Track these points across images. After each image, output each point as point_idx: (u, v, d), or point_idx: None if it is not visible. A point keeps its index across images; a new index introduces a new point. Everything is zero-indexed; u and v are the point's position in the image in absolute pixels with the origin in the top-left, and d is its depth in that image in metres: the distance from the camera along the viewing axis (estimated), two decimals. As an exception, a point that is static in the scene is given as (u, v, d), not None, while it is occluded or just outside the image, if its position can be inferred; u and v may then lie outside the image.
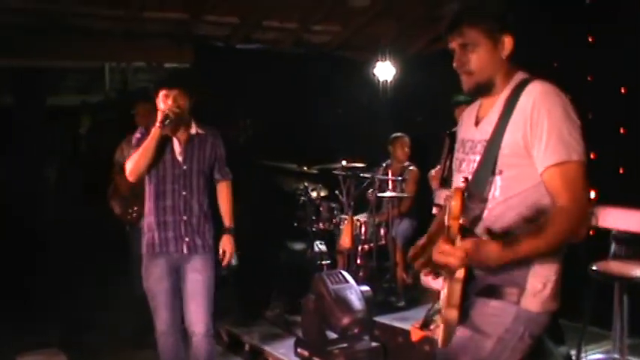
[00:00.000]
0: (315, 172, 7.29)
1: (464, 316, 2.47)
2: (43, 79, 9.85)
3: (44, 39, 7.51)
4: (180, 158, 4.45)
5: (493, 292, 2.49)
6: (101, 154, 10.87)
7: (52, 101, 11.06)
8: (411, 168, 7.29)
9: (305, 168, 7.26)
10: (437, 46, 8.26)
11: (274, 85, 8.16)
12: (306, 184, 7.30)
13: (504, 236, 2.35)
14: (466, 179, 2.51)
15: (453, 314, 2.35)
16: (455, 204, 2.23)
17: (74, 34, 7.51)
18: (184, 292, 4.48)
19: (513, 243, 2.27)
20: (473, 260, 2.25)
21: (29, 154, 7.80)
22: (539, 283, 2.46)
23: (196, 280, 4.47)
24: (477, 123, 2.63)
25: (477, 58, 2.52)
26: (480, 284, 2.49)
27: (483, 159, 2.50)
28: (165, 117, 4.24)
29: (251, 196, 7.70)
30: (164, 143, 4.40)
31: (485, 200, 2.48)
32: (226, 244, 4.69)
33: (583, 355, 4.70)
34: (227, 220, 4.75)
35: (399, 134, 7.45)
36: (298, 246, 7.17)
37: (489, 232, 2.36)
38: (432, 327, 2.60)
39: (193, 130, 4.52)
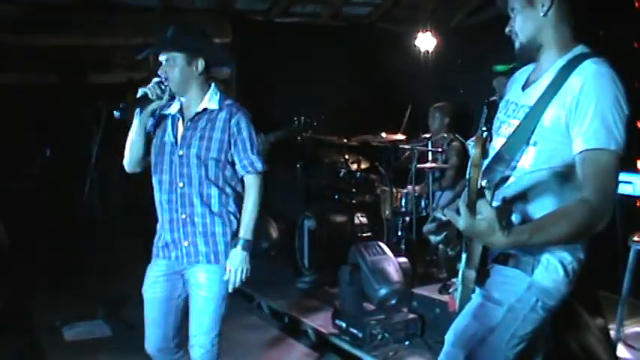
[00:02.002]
0: (355, 144, 7.27)
1: (480, 281, 2.46)
2: (87, 57, 9.96)
3: (87, 16, 7.59)
4: (179, 141, 3.57)
5: (508, 259, 2.47)
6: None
7: (100, 79, 11.21)
8: (454, 143, 7.15)
9: (345, 140, 7.24)
10: (478, 17, 8.15)
11: (314, 58, 8.14)
12: (346, 156, 7.29)
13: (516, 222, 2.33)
14: (488, 129, 2.51)
15: (471, 275, 2.35)
16: (477, 151, 2.17)
17: (116, 11, 7.58)
18: (189, 308, 3.65)
19: (524, 232, 2.16)
20: (482, 239, 2.20)
21: (74, 132, 7.91)
22: (554, 261, 2.42)
23: (199, 298, 3.57)
24: (525, 86, 2.57)
25: (518, 20, 2.50)
26: (497, 250, 2.46)
27: (521, 126, 2.44)
28: (140, 98, 3.46)
29: (292, 168, 7.75)
30: (168, 122, 3.63)
31: (513, 168, 2.44)
32: (231, 260, 3.54)
33: (622, 327, 4.62)
34: (240, 229, 3.57)
35: (439, 104, 7.36)
36: (339, 218, 7.16)
37: (505, 202, 2.31)
38: (451, 290, 2.61)
39: (202, 105, 3.55)
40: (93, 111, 5.85)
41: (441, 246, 2.65)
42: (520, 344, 2.45)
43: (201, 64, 3.51)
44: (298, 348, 5.55)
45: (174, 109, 3.63)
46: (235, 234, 3.58)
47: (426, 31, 8.23)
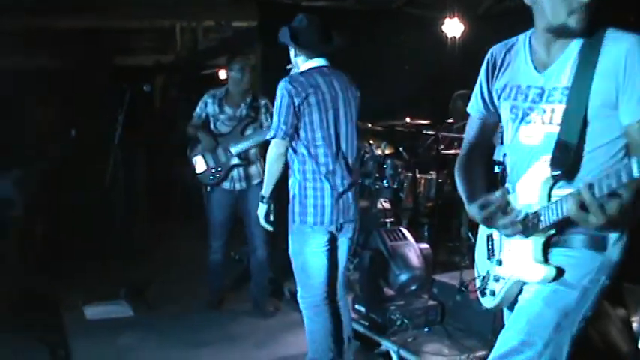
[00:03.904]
0: (379, 129, 7.24)
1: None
2: (114, 40, 10.03)
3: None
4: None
5: (579, 241, 2.42)
6: (168, 113, 11.10)
7: (127, 61, 11.28)
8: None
9: (370, 125, 7.21)
10: (506, 2, 8.06)
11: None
12: (371, 141, 7.26)
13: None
14: None
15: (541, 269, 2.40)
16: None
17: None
18: None
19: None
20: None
21: (99, 114, 7.98)
22: (618, 231, 2.38)
23: None
24: (541, 68, 2.50)
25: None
26: (563, 234, 2.43)
27: (571, 108, 2.38)
28: None
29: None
30: None
31: (577, 151, 2.38)
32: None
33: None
34: None
35: (462, 91, 7.31)
36: (362, 203, 7.13)
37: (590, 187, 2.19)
38: (488, 289, 2.60)
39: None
40: (117, 92, 5.87)
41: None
42: (584, 324, 2.43)
43: (292, 52, 4.28)
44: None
45: None
46: (304, 196, 4.11)
47: (453, 16, 8.16)
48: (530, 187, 2.45)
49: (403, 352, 4.71)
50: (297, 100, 4.00)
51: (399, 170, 7.19)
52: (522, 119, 2.52)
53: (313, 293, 4.20)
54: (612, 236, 2.39)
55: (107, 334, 5.46)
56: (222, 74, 10.21)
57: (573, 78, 2.37)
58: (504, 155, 5.53)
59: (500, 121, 2.73)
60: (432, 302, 5.21)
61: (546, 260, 2.43)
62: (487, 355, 4.40)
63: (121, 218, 6.53)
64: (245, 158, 5.77)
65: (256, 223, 5.68)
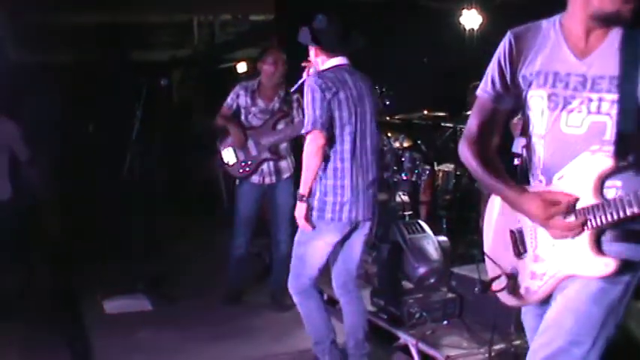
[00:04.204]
0: (397, 121, 7.21)
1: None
2: (131, 35, 10.05)
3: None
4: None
5: (626, 234, 2.38)
6: (187, 107, 11.13)
7: (144, 56, 11.32)
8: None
9: (388, 118, 7.17)
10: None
11: (357, 34, 8.05)
12: (389, 133, 7.22)
13: None
14: None
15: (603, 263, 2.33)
16: None
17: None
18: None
19: None
20: None
21: (116, 108, 8.00)
22: None
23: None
24: (580, 55, 2.43)
25: None
26: (611, 230, 2.38)
27: (626, 97, 2.33)
28: None
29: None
30: None
31: (637, 140, 2.34)
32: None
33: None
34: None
35: (478, 82, 7.24)
36: (380, 196, 7.09)
37: None
38: (521, 287, 2.55)
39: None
40: (134, 87, 5.87)
41: None
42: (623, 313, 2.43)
43: (313, 51, 4.26)
44: (335, 325, 5.53)
45: None
46: (325, 192, 4.12)
47: (471, 8, 8.11)
48: (577, 178, 2.38)
49: (422, 346, 4.68)
50: (328, 95, 4.00)
51: (417, 163, 7.15)
52: (564, 107, 2.44)
53: (303, 282, 4.27)
54: None
55: (126, 327, 5.47)
56: (240, 68, 10.23)
57: (622, 67, 2.33)
58: (523, 147, 5.52)
59: (511, 107, 2.65)
60: (450, 295, 5.17)
61: (604, 253, 2.36)
62: (506, 349, 4.42)
63: (138, 212, 6.53)
64: (276, 152, 5.76)
65: (284, 217, 5.69)
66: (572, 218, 2.37)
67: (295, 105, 5.75)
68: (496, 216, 2.73)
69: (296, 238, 4.28)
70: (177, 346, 5.16)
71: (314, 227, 4.11)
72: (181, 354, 5.04)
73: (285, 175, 5.80)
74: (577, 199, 2.36)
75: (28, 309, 5.77)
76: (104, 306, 5.88)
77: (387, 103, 6.26)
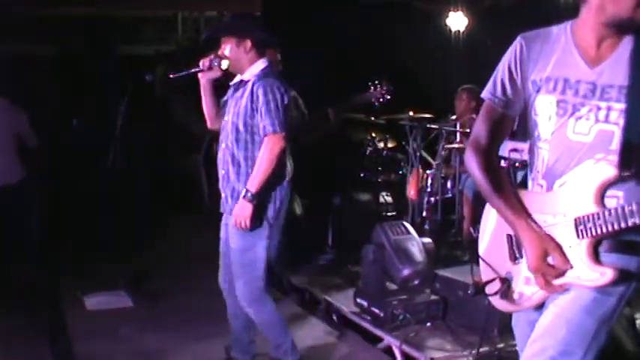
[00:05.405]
0: (382, 122, 7.21)
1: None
2: (117, 29, 9.99)
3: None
4: (225, 109, 4.27)
5: (622, 245, 2.38)
6: (170, 104, 11.06)
7: (128, 50, 11.23)
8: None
9: (373, 118, 7.18)
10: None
11: (343, 34, 8.06)
12: (373, 134, 7.23)
13: None
14: None
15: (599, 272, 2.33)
16: None
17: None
18: None
19: None
20: None
21: (100, 103, 7.95)
22: None
23: (229, 246, 4.23)
24: (591, 63, 2.42)
25: None
26: (607, 240, 2.38)
27: (632, 107, 2.32)
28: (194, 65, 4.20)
29: (317, 145, 7.69)
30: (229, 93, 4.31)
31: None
32: (235, 208, 4.04)
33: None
34: (248, 182, 4.03)
35: (466, 86, 7.28)
36: (364, 196, 7.12)
37: None
38: (515, 292, 2.53)
39: (238, 77, 4.22)
40: (119, 82, 5.84)
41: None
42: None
43: (248, 45, 4.12)
44: (318, 325, 5.53)
45: (234, 81, 4.28)
46: (268, 192, 4.09)
47: (458, 10, 8.13)
48: (579, 186, 2.37)
49: (405, 347, 4.68)
50: (286, 98, 4.07)
51: (402, 164, 7.18)
52: (572, 114, 2.43)
53: (258, 286, 4.20)
54: None
55: (107, 324, 5.42)
56: (224, 64, 10.16)
57: (631, 77, 2.33)
58: (510, 150, 5.54)
59: (518, 114, 2.62)
60: (434, 297, 5.17)
61: (601, 262, 2.35)
62: (490, 352, 4.42)
63: (121, 208, 6.49)
64: None
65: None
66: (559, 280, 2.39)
67: (292, 104, 5.70)
68: (493, 220, 2.71)
69: (236, 246, 4.16)
70: (157, 343, 5.12)
71: (253, 228, 4.06)
72: (164, 352, 5.00)
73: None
74: (571, 268, 2.36)
75: (8, 306, 5.69)
76: (85, 302, 5.84)
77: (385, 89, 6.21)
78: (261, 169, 3.99)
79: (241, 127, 4.06)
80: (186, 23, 11.09)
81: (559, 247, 2.38)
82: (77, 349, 4.99)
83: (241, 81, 4.17)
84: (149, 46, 11.38)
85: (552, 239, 2.40)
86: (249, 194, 3.98)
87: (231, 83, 4.30)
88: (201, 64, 4.18)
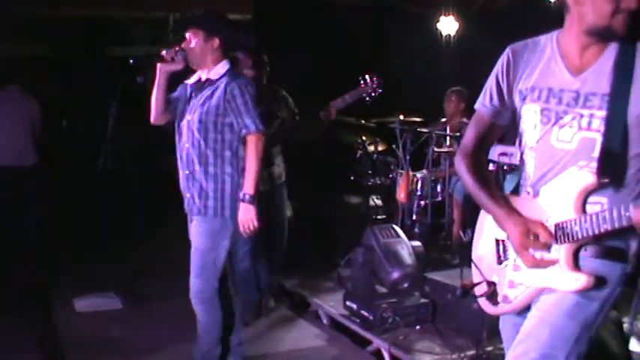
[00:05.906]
0: (372, 125, 7.22)
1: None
2: (110, 30, 9.96)
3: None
4: (187, 107, 4.15)
5: (605, 251, 2.40)
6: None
7: (121, 52, 11.20)
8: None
9: (363, 121, 7.19)
10: (501, 1, 8.06)
11: (334, 37, 8.07)
12: (363, 137, 7.24)
13: None
14: None
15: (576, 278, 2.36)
16: None
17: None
18: None
19: None
20: None
21: (91, 104, 7.92)
22: (634, 242, 2.39)
23: (192, 247, 4.22)
24: (575, 72, 2.44)
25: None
26: (591, 246, 2.41)
27: (614, 116, 2.34)
28: (158, 55, 4.12)
29: (308, 148, 7.70)
30: (187, 91, 4.21)
31: (622, 159, 2.37)
32: (240, 213, 4.08)
33: (636, 320, 4.55)
34: (244, 185, 4.08)
35: (455, 88, 7.30)
36: (354, 200, 7.13)
37: None
38: (499, 295, 2.56)
39: (207, 76, 4.11)
40: (110, 83, 5.82)
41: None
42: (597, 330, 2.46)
43: (216, 43, 4.08)
44: (307, 328, 5.54)
45: (192, 80, 4.20)
46: (236, 191, 4.08)
47: (449, 14, 8.16)
48: (562, 192, 2.41)
49: (394, 350, 4.70)
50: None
51: (392, 167, 7.19)
52: (556, 122, 2.46)
53: (213, 286, 4.19)
54: (633, 246, 2.39)
55: (96, 326, 5.42)
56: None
57: (613, 85, 2.35)
58: (499, 154, 5.57)
59: (508, 123, 2.67)
60: (423, 300, 5.19)
61: (579, 268, 2.39)
62: (478, 355, 4.44)
63: (111, 210, 6.48)
64: (266, 156, 5.61)
65: (280, 228, 5.76)
66: (547, 254, 2.42)
67: (283, 104, 5.70)
68: (486, 224, 2.75)
69: (198, 247, 4.17)
70: (147, 345, 5.12)
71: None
72: (154, 354, 5.00)
73: (279, 181, 5.72)
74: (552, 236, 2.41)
75: (8, 306, 5.68)
76: (74, 304, 5.83)
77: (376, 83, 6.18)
78: (252, 169, 4.04)
79: (210, 126, 4.02)
80: (178, 25, 11.06)
81: (539, 221, 2.43)
82: (67, 351, 4.96)
83: (207, 79, 4.10)
84: (141, 47, 11.35)
85: (531, 218, 2.45)
86: (248, 197, 4.03)
87: (189, 82, 4.21)
88: (164, 53, 4.12)
